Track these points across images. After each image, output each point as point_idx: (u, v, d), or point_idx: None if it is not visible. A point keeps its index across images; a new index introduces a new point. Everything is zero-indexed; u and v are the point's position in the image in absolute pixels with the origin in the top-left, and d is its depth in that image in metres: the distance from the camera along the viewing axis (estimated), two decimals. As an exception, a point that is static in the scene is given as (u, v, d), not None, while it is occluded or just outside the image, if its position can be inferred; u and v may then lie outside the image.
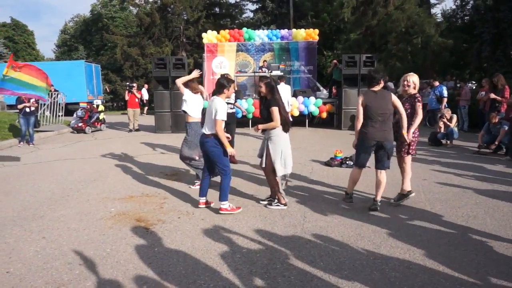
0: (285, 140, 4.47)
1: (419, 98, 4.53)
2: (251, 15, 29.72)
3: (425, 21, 14.94)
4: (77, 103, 18.09)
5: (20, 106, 9.49)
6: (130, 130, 12.61)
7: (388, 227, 3.90)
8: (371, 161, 4.46)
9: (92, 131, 12.61)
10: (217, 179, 4.74)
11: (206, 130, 4.32)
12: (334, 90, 13.58)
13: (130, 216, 4.31)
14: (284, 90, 9.16)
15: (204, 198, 4.60)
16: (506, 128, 7.58)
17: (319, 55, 19.76)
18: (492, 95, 9.09)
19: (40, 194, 5.30)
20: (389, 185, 4.89)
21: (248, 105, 11.87)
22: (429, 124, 11.99)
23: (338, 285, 2.81)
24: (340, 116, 12.25)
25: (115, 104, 32.77)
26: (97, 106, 13.67)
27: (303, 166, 6.73)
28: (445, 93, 10.79)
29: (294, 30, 16.59)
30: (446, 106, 10.46)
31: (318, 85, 15.43)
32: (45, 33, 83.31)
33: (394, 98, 4.24)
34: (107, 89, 27.63)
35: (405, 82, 4.57)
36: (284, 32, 16.25)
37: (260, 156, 4.63)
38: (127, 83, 15.01)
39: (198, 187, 5.41)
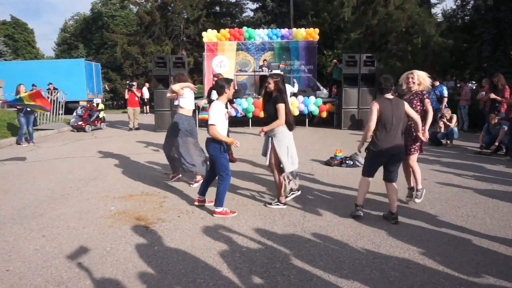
0: (290, 137, 4.45)
1: (426, 95, 4.48)
2: (251, 14, 29.65)
3: (426, 21, 14.91)
4: (77, 102, 18.01)
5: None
6: (130, 129, 12.62)
7: (387, 226, 3.90)
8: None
9: (92, 130, 12.63)
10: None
11: (208, 134, 4.33)
12: (334, 90, 13.57)
13: (129, 215, 4.31)
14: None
15: (202, 197, 4.60)
16: (506, 128, 7.59)
17: (319, 55, 19.75)
18: (492, 95, 9.08)
19: (40, 192, 5.30)
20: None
21: (248, 104, 11.87)
22: (429, 124, 11.96)
23: (338, 284, 2.81)
24: (340, 115, 12.25)
25: (115, 103, 32.82)
26: (97, 104, 13.66)
27: (303, 166, 6.73)
28: (445, 93, 10.77)
29: (294, 29, 16.59)
30: (446, 106, 10.44)
31: (318, 84, 15.43)
32: (45, 31, 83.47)
33: (407, 105, 4.12)
34: (107, 88, 27.62)
35: (410, 79, 4.49)
36: (284, 31, 16.26)
37: (264, 153, 4.57)
38: (127, 82, 15.02)
39: (197, 184, 5.42)
